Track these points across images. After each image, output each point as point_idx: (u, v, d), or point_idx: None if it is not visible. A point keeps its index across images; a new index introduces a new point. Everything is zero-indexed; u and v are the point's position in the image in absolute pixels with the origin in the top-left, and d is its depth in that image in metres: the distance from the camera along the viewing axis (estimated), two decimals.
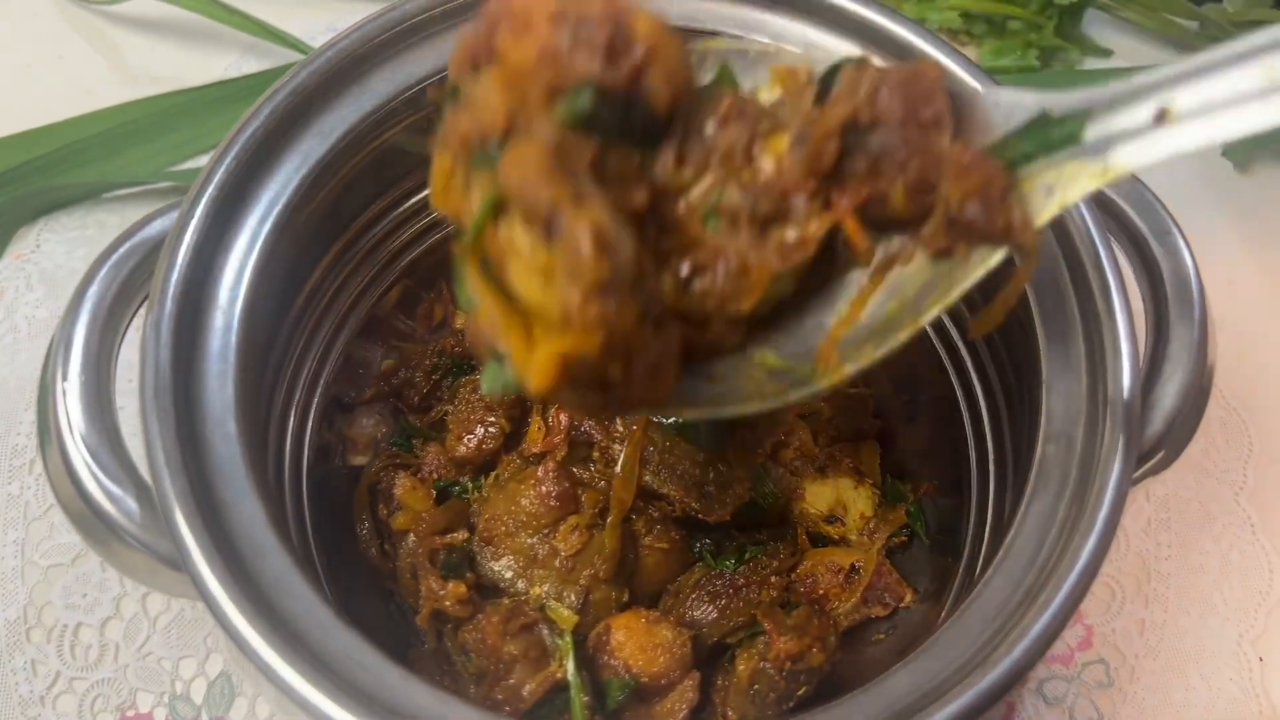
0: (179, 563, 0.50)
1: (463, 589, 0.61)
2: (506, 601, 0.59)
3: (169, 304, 0.55)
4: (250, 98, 0.95)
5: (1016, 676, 0.48)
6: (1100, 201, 0.61)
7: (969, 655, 0.50)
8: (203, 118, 0.98)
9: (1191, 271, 0.60)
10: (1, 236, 0.90)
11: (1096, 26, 1.06)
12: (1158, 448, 0.57)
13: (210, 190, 0.58)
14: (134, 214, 0.93)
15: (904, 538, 0.73)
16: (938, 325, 0.75)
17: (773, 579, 0.68)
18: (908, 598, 0.69)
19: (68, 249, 0.91)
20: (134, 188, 0.94)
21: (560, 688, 0.61)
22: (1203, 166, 0.99)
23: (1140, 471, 0.56)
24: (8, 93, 1.01)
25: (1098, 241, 0.58)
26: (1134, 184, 0.63)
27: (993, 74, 0.68)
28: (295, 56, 1.01)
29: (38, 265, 0.90)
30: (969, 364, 0.72)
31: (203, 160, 0.97)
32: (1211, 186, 0.98)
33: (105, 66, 1.03)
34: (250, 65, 1.03)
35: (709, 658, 0.67)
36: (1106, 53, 1.04)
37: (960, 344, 0.73)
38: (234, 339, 0.57)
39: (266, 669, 0.47)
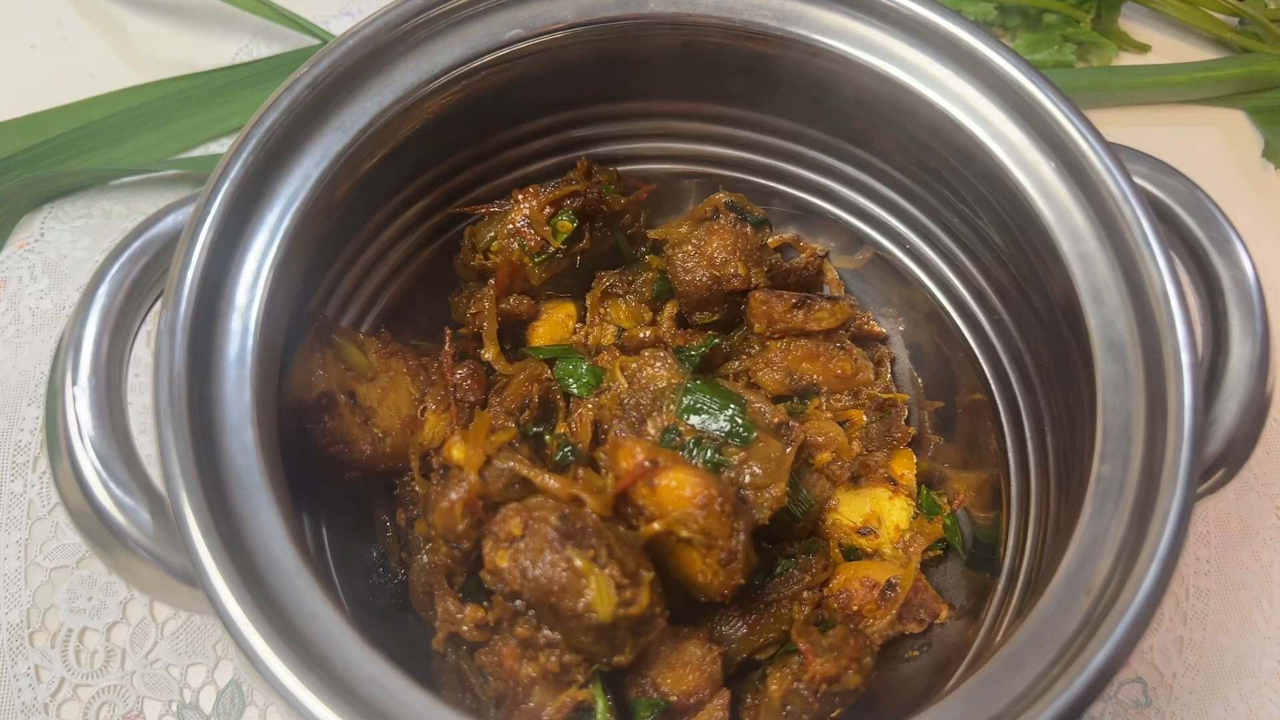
0: (194, 579, 0.48)
1: (481, 613, 0.59)
2: (522, 630, 0.56)
3: (184, 305, 0.52)
4: (261, 83, 0.93)
5: (1078, 712, 0.46)
6: (1156, 208, 0.58)
7: (1025, 687, 0.48)
8: (212, 104, 0.95)
9: (1253, 282, 0.57)
10: (4, 225, 0.88)
11: (1134, 21, 1.03)
12: (1217, 466, 0.55)
13: (227, 185, 0.55)
14: (140, 202, 0.90)
15: (939, 551, 0.70)
16: (974, 326, 0.72)
17: (805, 594, 0.65)
18: (943, 614, 0.67)
19: (72, 238, 0.88)
20: (140, 175, 0.92)
21: (584, 708, 0.59)
22: (1238, 165, 0.96)
23: (1199, 491, 0.54)
24: (10, 76, 0.98)
25: (1157, 251, 0.55)
26: (1191, 189, 0.60)
27: None
28: (308, 41, 0.98)
29: (41, 255, 0.87)
30: (1011, 372, 0.69)
31: (212, 148, 0.94)
32: (1248, 187, 0.95)
33: (110, 50, 1.00)
34: (261, 50, 1.00)
35: (736, 675, 0.65)
36: (1144, 48, 1.01)
37: (1001, 349, 0.70)
38: (251, 342, 0.54)
39: (285, 693, 0.45)
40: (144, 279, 0.56)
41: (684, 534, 0.56)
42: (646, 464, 0.56)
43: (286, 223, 0.57)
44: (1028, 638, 0.49)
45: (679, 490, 0.56)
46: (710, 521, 0.55)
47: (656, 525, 0.56)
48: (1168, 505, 0.50)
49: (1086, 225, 0.58)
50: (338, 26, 0.99)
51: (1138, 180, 0.58)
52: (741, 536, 0.57)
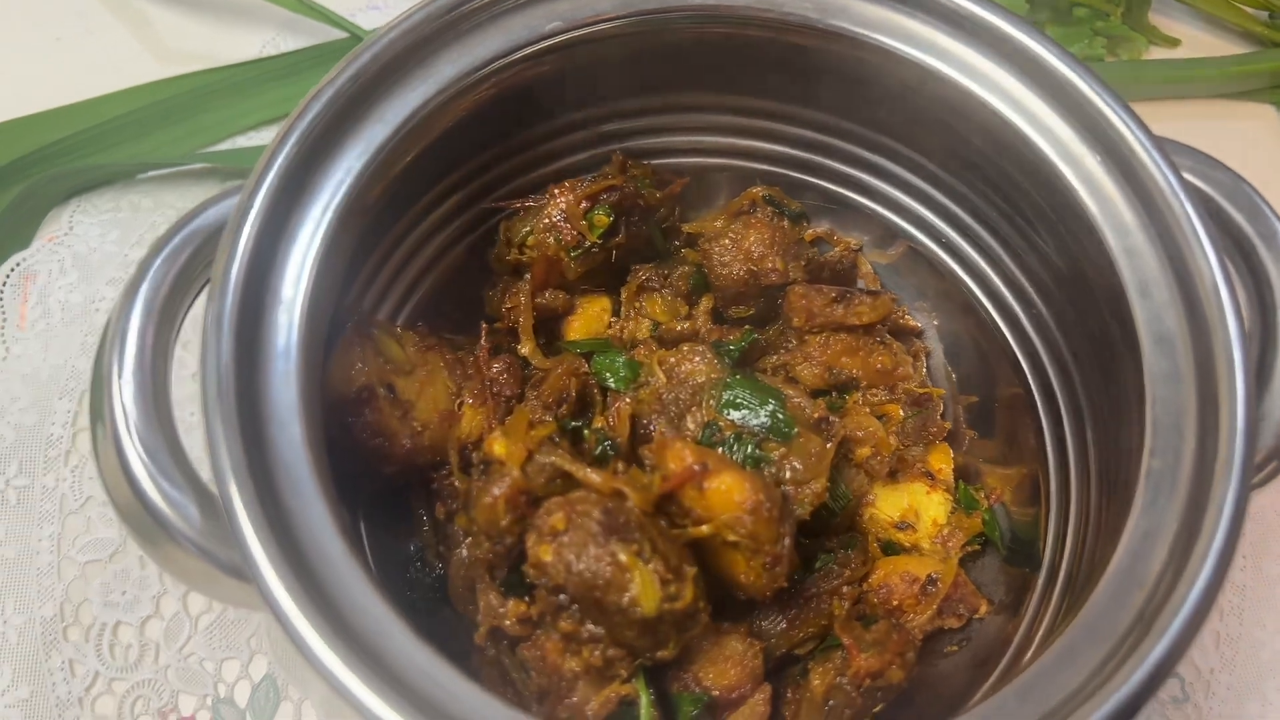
0: (243, 573, 0.48)
1: (523, 607, 0.58)
2: (566, 625, 0.56)
3: (230, 298, 0.52)
4: (289, 76, 0.93)
5: (1136, 707, 0.45)
6: (1204, 202, 0.58)
7: (1080, 682, 0.48)
8: (238, 98, 0.95)
9: None
10: (33, 218, 0.87)
11: (1164, 15, 1.02)
12: (1269, 460, 0.55)
13: (271, 178, 0.55)
14: (168, 195, 0.90)
15: (977, 546, 0.70)
16: (1012, 320, 0.72)
17: (844, 589, 0.65)
18: (983, 609, 0.67)
19: (101, 231, 0.88)
20: (167, 169, 0.91)
21: (627, 703, 0.59)
22: (1269, 160, 0.96)
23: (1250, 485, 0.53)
24: (35, 69, 0.97)
25: (1207, 245, 0.55)
26: (1238, 184, 0.60)
27: None
28: (335, 34, 0.97)
29: (70, 248, 0.87)
30: (1049, 366, 0.69)
31: (239, 141, 0.94)
32: (1278, 182, 0.95)
33: (136, 43, 1.00)
34: (287, 43, 0.99)
35: (775, 669, 0.65)
36: (1174, 43, 1.00)
37: (1038, 343, 0.70)
38: (296, 336, 0.54)
39: (340, 686, 0.45)
40: (188, 271, 0.55)
41: (731, 538, 0.56)
42: (696, 467, 0.56)
43: (330, 215, 0.57)
44: (1081, 633, 0.49)
45: (729, 495, 0.55)
46: (759, 527, 0.55)
47: (705, 529, 0.56)
48: (1222, 498, 0.49)
49: (1134, 219, 0.58)
50: (365, 19, 0.98)
51: (1184, 174, 0.57)
52: (787, 541, 0.57)
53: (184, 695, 0.71)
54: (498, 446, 0.59)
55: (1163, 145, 0.58)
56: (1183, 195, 0.56)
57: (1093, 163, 0.59)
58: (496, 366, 0.69)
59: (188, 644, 0.73)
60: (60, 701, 0.70)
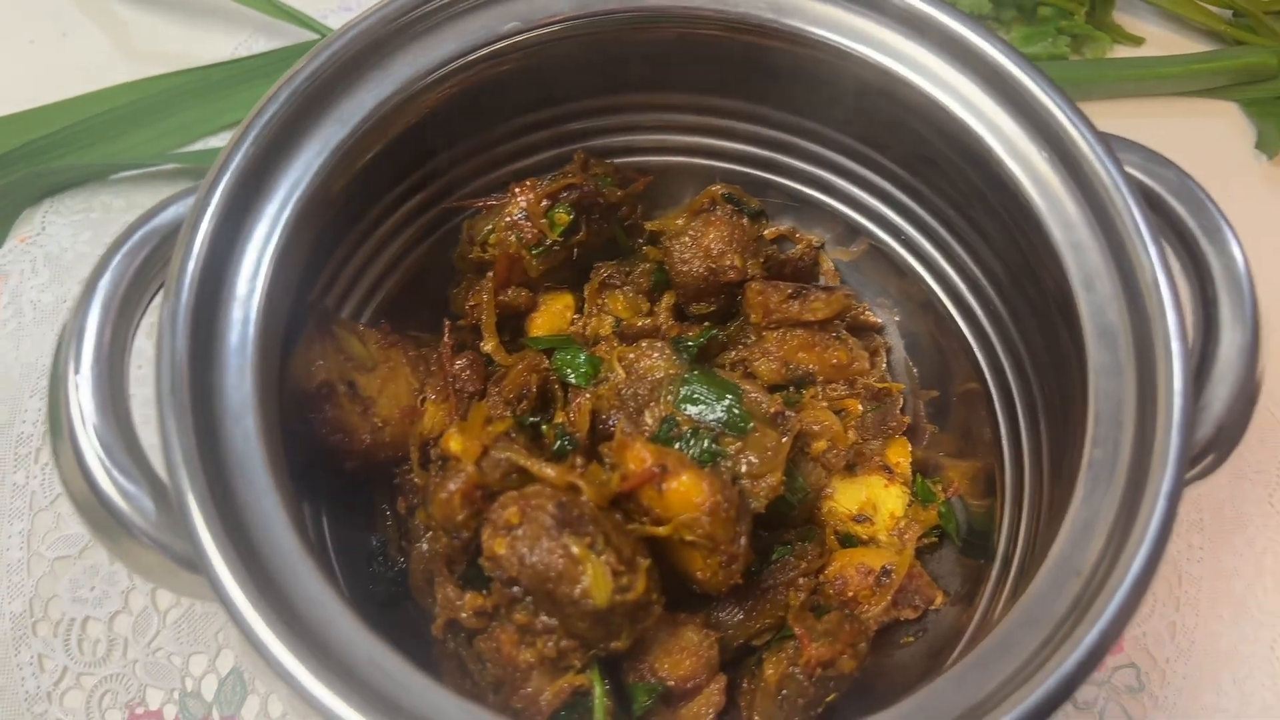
0: (196, 565, 0.49)
1: (480, 601, 0.59)
2: (520, 616, 0.57)
3: (185, 294, 0.53)
4: (261, 78, 0.94)
5: (1068, 692, 0.46)
6: (1148, 197, 0.59)
7: (1015, 668, 0.48)
8: (211, 98, 0.96)
9: (1243, 270, 0.58)
10: (5, 219, 0.88)
11: (1128, 14, 1.03)
12: (1206, 451, 0.55)
13: (228, 176, 0.56)
14: (140, 196, 0.91)
15: (934, 539, 0.71)
16: (969, 315, 0.73)
17: (801, 580, 0.66)
18: (938, 600, 0.68)
19: (73, 231, 0.89)
20: (140, 169, 0.92)
21: (581, 693, 0.60)
22: (1232, 157, 0.97)
23: (1188, 476, 0.54)
24: (10, 70, 0.98)
25: (1148, 239, 0.56)
26: (1183, 179, 0.61)
27: None
28: (308, 35, 0.98)
29: (43, 248, 0.88)
30: (1005, 361, 0.70)
31: (211, 142, 0.95)
32: (1241, 178, 0.96)
33: (110, 44, 1.01)
34: (261, 44, 1.00)
35: (733, 660, 0.66)
36: (1138, 41, 1.01)
37: (995, 339, 0.71)
38: (252, 331, 0.55)
39: (287, 676, 0.46)
40: (146, 269, 0.56)
41: (689, 538, 0.57)
42: (656, 469, 0.57)
43: (287, 214, 0.57)
44: (1020, 620, 0.50)
45: (687, 496, 0.56)
46: (716, 527, 0.56)
47: (663, 530, 0.57)
48: (1157, 489, 0.50)
49: (1078, 214, 0.59)
50: (336, 21, 0.99)
51: (1130, 170, 0.58)
52: (743, 541, 0.58)
53: (151, 689, 0.72)
54: (453, 443, 0.59)
55: (1108, 141, 0.59)
56: (1125, 190, 0.57)
57: (1039, 159, 0.60)
58: (459, 363, 0.69)
59: (155, 639, 0.73)
60: (29, 695, 0.71)
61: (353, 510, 0.69)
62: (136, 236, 0.57)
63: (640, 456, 0.58)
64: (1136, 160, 0.61)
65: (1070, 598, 0.50)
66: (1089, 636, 0.47)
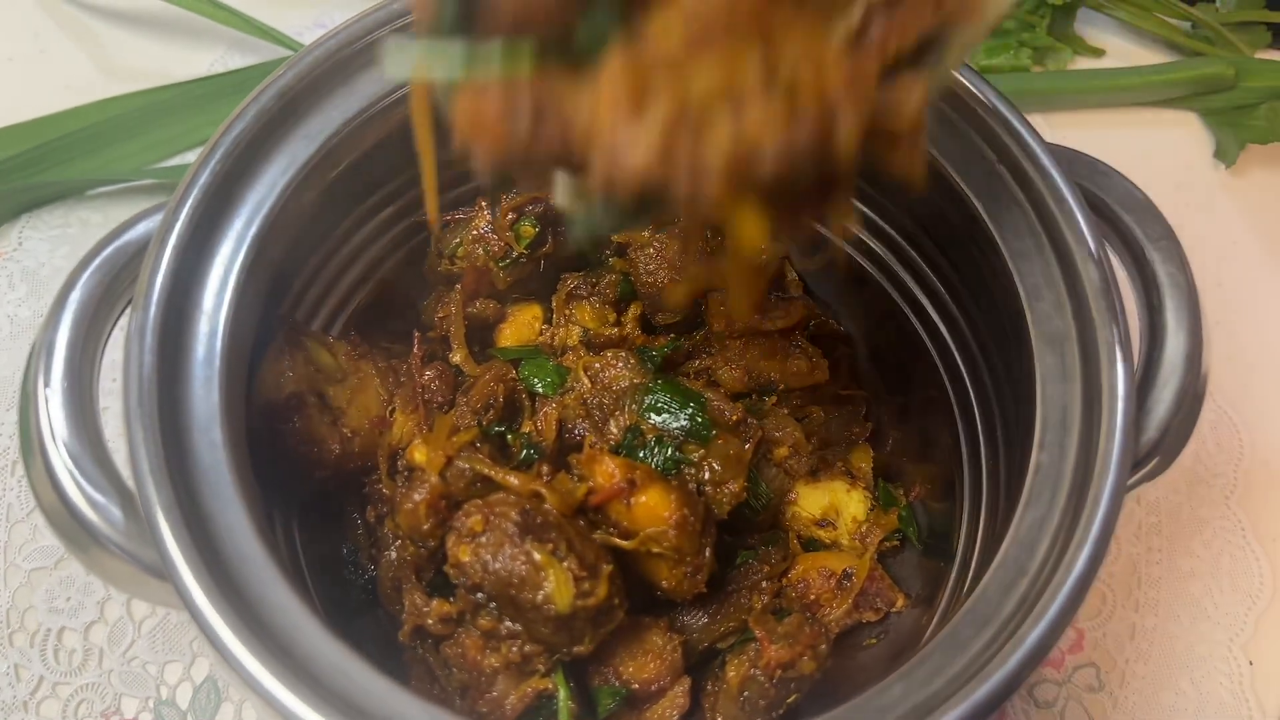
0: (164, 573, 0.50)
1: (447, 607, 0.60)
2: (485, 622, 0.58)
3: (153, 309, 0.54)
4: (236, 94, 0.95)
5: (1013, 687, 0.48)
6: (1095, 205, 0.60)
7: (963, 665, 0.50)
8: (187, 114, 0.97)
9: (1187, 277, 0.59)
10: None
11: (1089, 26, 1.05)
12: (1152, 454, 0.57)
13: (195, 194, 0.57)
14: (117, 211, 0.92)
15: (896, 542, 0.72)
16: (929, 325, 0.74)
17: (764, 584, 0.68)
18: (899, 603, 0.69)
19: (50, 247, 0.90)
20: (117, 185, 0.93)
21: (546, 697, 0.61)
22: (1191, 166, 0.99)
23: (1135, 479, 0.56)
24: None
25: (1092, 246, 0.57)
26: (1128, 187, 0.62)
27: (984, 74, 0.68)
28: (282, 53, 0.99)
29: (20, 263, 0.89)
30: (963, 368, 0.71)
31: (188, 157, 0.96)
32: (1200, 186, 0.98)
33: (87, 61, 1.02)
34: (236, 61, 1.02)
35: (699, 663, 0.67)
36: (1098, 52, 1.03)
37: (954, 347, 0.72)
38: (219, 345, 0.56)
39: (252, 681, 0.47)
40: (115, 285, 0.57)
41: (656, 550, 0.58)
42: (623, 484, 0.58)
43: (254, 229, 0.59)
44: (968, 618, 0.51)
45: (655, 510, 0.58)
46: (682, 540, 0.58)
47: (630, 543, 0.58)
48: (1100, 490, 0.52)
49: (1024, 223, 0.60)
50: (310, 38, 1.00)
51: (1077, 180, 0.60)
52: (708, 552, 0.60)
53: (127, 698, 0.73)
54: (418, 454, 0.61)
55: (1054, 151, 0.60)
56: (1071, 199, 0.58)
57: (988, 169, 0.62)
58: (429, 374, 0.71)
59: (131, 648, 0.74)
60: (5, 705, 0.72)
61: (324, 519, 0.70)
62: (106, 252, 0.58)
63: (609, 471, 0.59)
64: (1082, 170, 0.63)
65: (1017, 597, 0.51)
66: (1034, 633, 0.49)
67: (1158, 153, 0.99)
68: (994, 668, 0.48)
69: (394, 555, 0.66)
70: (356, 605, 0.69)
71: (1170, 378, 0.58)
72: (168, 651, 0.74)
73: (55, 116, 0.96)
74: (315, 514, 0.69)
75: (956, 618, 0.52)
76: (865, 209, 0.76)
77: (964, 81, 0.62)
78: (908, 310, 0.76)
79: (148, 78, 0.99)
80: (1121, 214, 0.62)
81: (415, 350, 0.71)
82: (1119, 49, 1.04)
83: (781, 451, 0.70)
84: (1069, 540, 0.51)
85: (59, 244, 0.90)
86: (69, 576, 0.76)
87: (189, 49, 1.02)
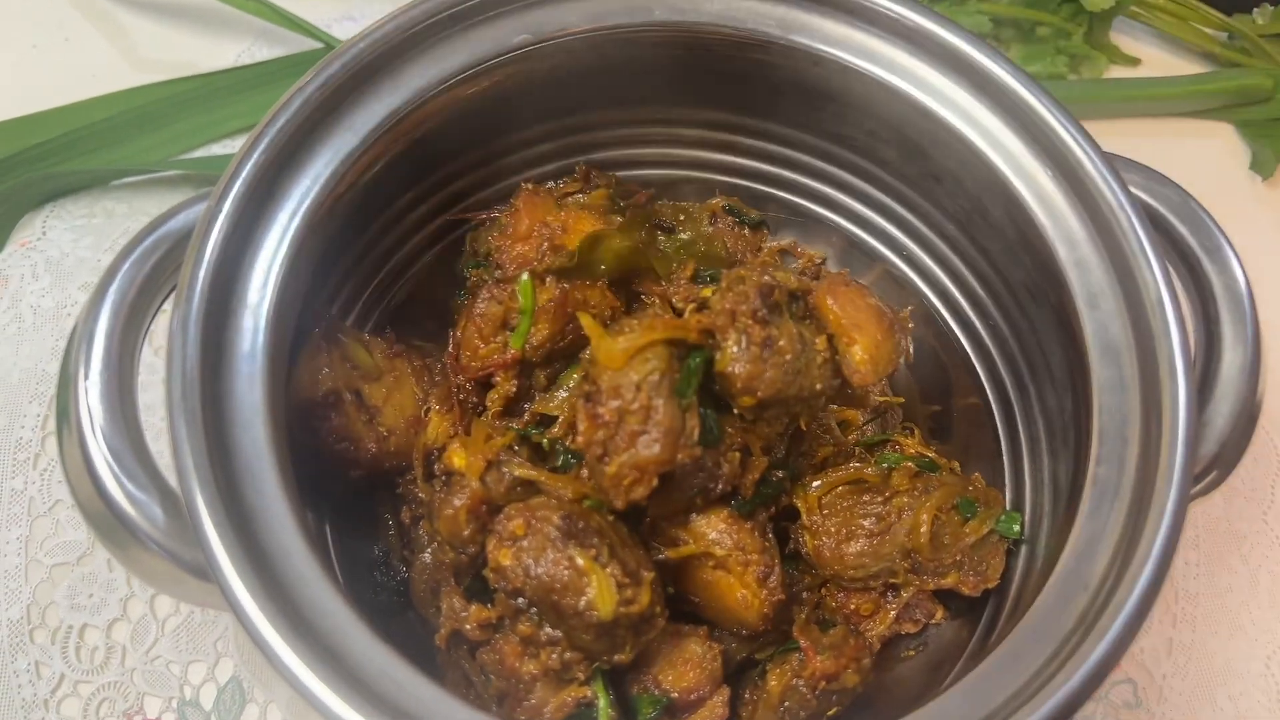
0: (206, 573, 0.48)
1: (485, 613, 0.59)
2: (524, 628, 0.57)
3: (197, 301, 0.53)
4: (263, 86, 0.94)
5: (1076, 705, 0.47)
6: (1150, 216, 0.59)
7: (1023, 681, 0.49)
8: (213, 105, 0.96)
9: (1244, 289, 0.59)
10: (6, 223, 0.88)
11: (1125, 35, 1.04)
12: (1209, 469, 0.56)
13: (239, 183, 0.56)
14: (142, 202, 0.91)
15: None
16: (970, 330, 0.74)
17: (804, 595, 0.66)
18: (939, 615, 0.68)
19: (74, 237, 0.88)
20: (142, 175, 0.92)
21: (585, 704, 0.60)
22: (1227, 177, 0.98)
23: (1192, 492, 0.55)
24: (12, 76, 0.98)
25: (1152, 257, 0.56)
26: (1184, 199, 0.61)
27: None
28: (310, 44, 0.98)
29: (44, 253, 0.87)
30: (1006, 376, 0.70)
31: (213, 149, 0.95)
32: (1236, 198, 0.97)
33: (112, 51, 1.01)
34: (263, 52, 1.00)
35: (736, 672, 0.66)
36: (1134, 62, 1.03)
37: (996, 354, 0.71)
38: (262, 339, 0.55)
39: (301, 688, 0.46)
40: (155, 275, 0.56)
41: (718, 553, 0.58)
42: None
43: (297, 221, 0.58)
44: (1027, 634, 0.51)
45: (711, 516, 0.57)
46: (743, 536, 0.57)
47: (690, 547, 0.58)
48: (1163, 505, 0.51)
49: (1082, 232, 0.59)
50: (339, 30, 0.99)
51: (1132, 189, 0.59)
52: (774, 551, 0.59)
53: (150, 698, 0.72)
54: (457, 459, 0.60)
55: (1112, 161, 0.59)
56: (1130, 209, 0.57)
57: (1044, 177, 0.61)
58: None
59: (154, 647, 0.73)
60: (26, 703, 0.71)
61: (355, 519, 0.69)
62: (147, 242, 0.57)
63: None
64: (1138, 180, 0.62)
65: (1077, 613, 0.50)
66: (1096, 651, 0.48)
67: (1192, 164, 0.98)
68: (1055, 687, 0.47)
69: (429, 558, 0.65)
70: (387, 607, 0.68)
71: (1228, 391, 0.57)
72: (192, 651, 0.73)
73: (79, 105, 0.94)
74: (347, 514, 0.68)
75: (1014, 633, 0.51)
76: (905, 212, 0.75)
77: (1019, 87, 0.61)
78: (947, 314, 0.75)
79: (174, 68, 0.98)
80: (1177, 224, 0.61)
81: (450, 350, 0.70)
82: (1155, 59, 1.03)
83: (825, 451, 0.68)
84: (1130, 555, 0.51)
85: (83, 234, 0.89)
86: (91, 573, 0.75)
87: (216, 39, 1.01)
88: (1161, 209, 0.61)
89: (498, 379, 0.67)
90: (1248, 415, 0.57)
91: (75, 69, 0.99)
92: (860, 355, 0.58)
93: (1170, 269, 0.58)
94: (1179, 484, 0.51)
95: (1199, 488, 0.56)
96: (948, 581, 0.64)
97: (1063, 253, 0.59)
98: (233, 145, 0.94)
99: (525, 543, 0.56)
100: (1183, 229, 0.61)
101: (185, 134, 0.95)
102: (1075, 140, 0.59)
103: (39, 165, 0.90)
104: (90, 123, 0.93)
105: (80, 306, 0.84)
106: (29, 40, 1.00)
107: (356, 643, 0.49)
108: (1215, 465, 0.56)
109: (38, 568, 0.75)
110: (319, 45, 0.98)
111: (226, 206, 0.55)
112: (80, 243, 0.88)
